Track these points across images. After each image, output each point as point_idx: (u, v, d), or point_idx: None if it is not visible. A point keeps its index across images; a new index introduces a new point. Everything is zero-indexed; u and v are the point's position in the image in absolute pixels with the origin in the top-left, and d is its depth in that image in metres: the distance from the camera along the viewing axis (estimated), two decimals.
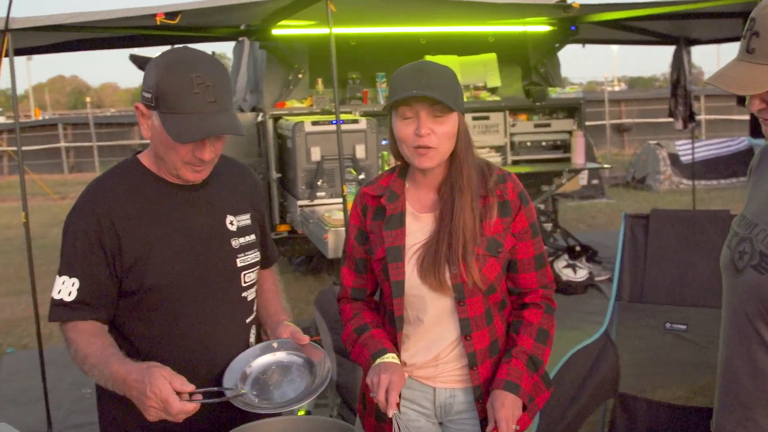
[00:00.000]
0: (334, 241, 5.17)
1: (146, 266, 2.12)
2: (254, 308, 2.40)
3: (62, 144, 24.37)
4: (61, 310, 2.10)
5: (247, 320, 2.35)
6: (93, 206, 2.11)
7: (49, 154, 24.43)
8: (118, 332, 2.17)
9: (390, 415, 2.10)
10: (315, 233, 5.67)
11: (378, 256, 2.32)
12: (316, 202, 6.23)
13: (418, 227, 2.30)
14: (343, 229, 5.08)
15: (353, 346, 2.37)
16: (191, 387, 1.91)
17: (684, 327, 3.54)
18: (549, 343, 2.37)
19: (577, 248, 8.24)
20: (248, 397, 2.11)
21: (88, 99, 29.84)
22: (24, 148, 23.46)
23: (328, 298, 3.73)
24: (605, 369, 3.53)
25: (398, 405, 2.20)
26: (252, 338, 2.38)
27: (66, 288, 2.09)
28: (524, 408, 2.24)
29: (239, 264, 2.28)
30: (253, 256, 2.33)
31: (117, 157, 23.05)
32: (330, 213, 5.72)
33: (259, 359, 2.25)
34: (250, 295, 2.35)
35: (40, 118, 33.28)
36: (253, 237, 2.34)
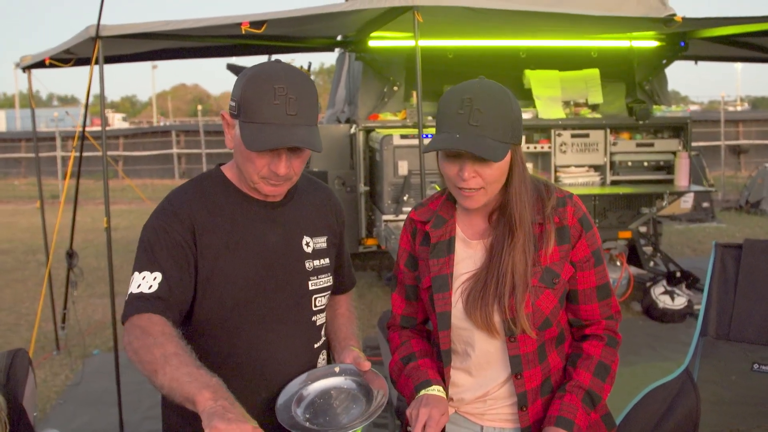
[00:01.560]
0: (395, 263, 5.06)
1: (215, 279, 2.08)
2: (322, 333, 2.33)
3: (174, 150, 25.12)
4: (139, 302, 1.98)
5: (315, 345, 2.28)
6: (174, 210, 2.10)
7: (161, 160, 25.22)
8: None
9: None
10: (395, 249, 5.55)
11: (425, 285, 2.20)
12: (401, 217, 6.12)
13: (467, 255, 2.15)
14: None
15: (399, 377, 2.27)
16: None
17: None
18: (610, 379, 2.17)
19: (678, 274, 7.85)
20: (297, 420, 2.06)
21: (199, 107, 30.68)
22: (137, 153, 24.25)
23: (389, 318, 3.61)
24: (683, 410, 3.27)
25: None
26: (321, 363, 2.32)
27: (146, 282, 2.01)
28: None
29: (311, 287, 2.23)
30: (326, 279, 2.28)
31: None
32: None
33: (318, 383, 2.20)
34: (319, 319, 2.29)
35: (161, 124, 34.56)
36: (327, 261, 2.29)
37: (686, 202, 8.46)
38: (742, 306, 3.37)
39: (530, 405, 2.13)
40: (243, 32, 4.82)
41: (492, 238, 2.11)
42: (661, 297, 7.32)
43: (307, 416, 2.10)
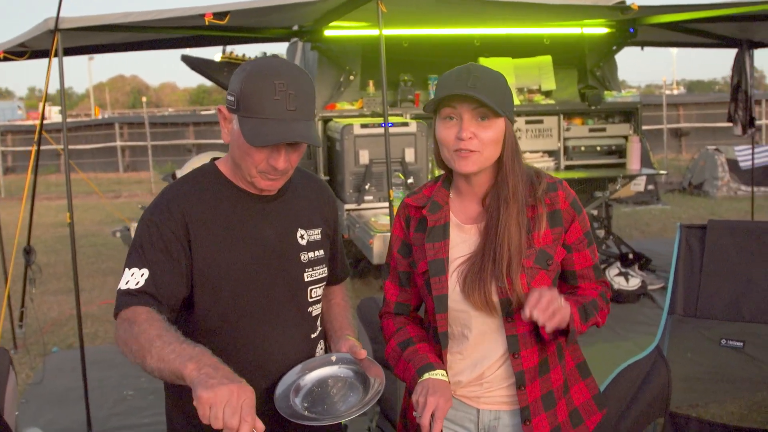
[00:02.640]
0: (379, 247, 5.10)
1: (211, 273, 2.10)
2: (318, 324, 2.36)
3: (118, 143, 24.72)
4: (126, 298, 2.01)
5: (312, 335, 2.31)
6: (169, 205, 2.11)
7: (105, 153, 24.81)
8: None
9: None
10: (361, 238, 5.60)
11: (420, 269, 2.24)
12: (363, 206, 6.16)
13: (462, 239, 2.20)
14: (389, 234, 5.00)
15: (397, 362, 2.29)
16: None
17: (741, 344, 3.39)
18: (602, 315, 2.22)
19: (630, 256, 8.03)
20: (295, 409, 2.10)
21: (144, 99, 30.26)
22: (80, 146, 23.76)
23: (369, 306, 3.65)
24: (656, 386, 3.39)
25: None
26: (318, 353, 2.35)
27: (134, 278, 2.03)
28: (566, 333, 2.11)
29: (306, 279, 2.26)
30: (321, 271, 2.31)
31: (170, 156, 23.37)
32: (377, 218, 5.66)
33: (315, 372, 2.23)
34: (315, 310, 2.32)
35: (100, 117, 33.89)
36: (321, 252, 2.32)
37: (638, 185, 8.63)
38: (708, 284, 3.49)
39: (528, 384, 2.17)
40: (207, 23, 4.79)
41: (486, 221, 2.16)
42: (616, 278, 7.48)
43: (306, 405, 2.13)
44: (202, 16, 4.78)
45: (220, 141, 18.71)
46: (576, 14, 6.67)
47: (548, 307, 1.96)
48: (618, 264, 7.80)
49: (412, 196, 2.33)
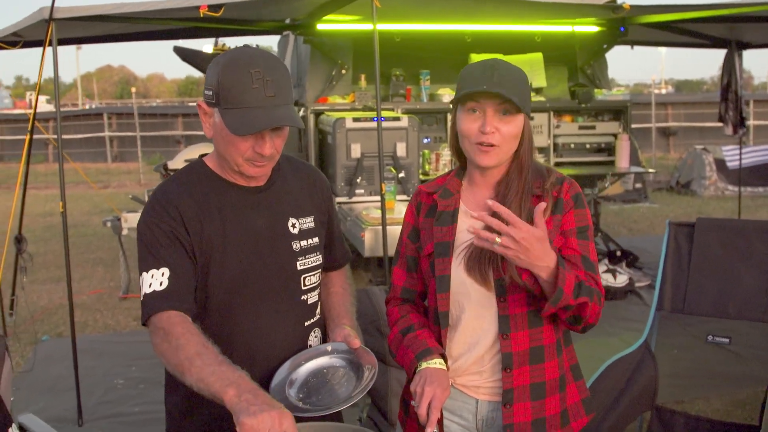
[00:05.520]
0: (370, 240, 5.13)
1: (206, 267, 2.14)
2: (316, 311, 2.39)
3: (106, 133, 24.60)
4: (154, 301, 2.05)
5: (306, 323, 2.34)
6: (164, 205, 2.14)
7: (93, 143, 24.69)
8: None
9: None
10: (352, 231, 5.63)
11: (426, 251, 2.29)
12: (354, 199, 6.18)
13: (469, 226, 2.24)
14: (380, 227, 5.03)
15: (398, 348, 2.32)
16: None
17: (727, 340, 3.44)
18: (594, 307, 2.10)
19: (618, 253, 8.10)
20: (290, 401, 2.12)
21: (133, 89, 30.19)
22: (68, 136, 23.65)
23: (361, 298, 3.67)
24: (643, 381, 3.44)
25: (440, 421, 2.14)
26: (313, 341, 2.38)
27: (156, 279, 2.07)
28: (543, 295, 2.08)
29: (299, 267, 2.29)
30: (315, 259, 2.34)
31: (159, 147, 23.26)
32: (368, 211, 5.68)
33: (310, 363, 2.26)
34: (311, 298, 2.35)
35: (87, 107, 33.70)
36: (316, 240, 2.35)
37: (627, 183, 8.69)
38: (696, 281, 3.54)
39: (515, 368, 2.18)
40: (202, 15, 4.80)
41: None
42: (604, 275, 7.53)
43: (301, 396, 2.16)
44: (197, 7, 4.79)
45: None
46: (568, 13, 6.72)
47: (522, 232, 1.92)
48: (606, 261, 7.87)
49: (427, 183, 2.41)
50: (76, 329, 5.12)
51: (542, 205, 1.99)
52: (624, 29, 7.63)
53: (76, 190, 16.60)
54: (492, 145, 2.14)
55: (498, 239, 1.92)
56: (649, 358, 3.50)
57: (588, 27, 7.69)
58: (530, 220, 2.12)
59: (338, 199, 6.21)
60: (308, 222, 2.34)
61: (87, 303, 7.84)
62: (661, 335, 3.58)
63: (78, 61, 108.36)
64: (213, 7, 4.80)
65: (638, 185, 14.08)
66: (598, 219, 8.81)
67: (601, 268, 7.71)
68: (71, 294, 5.14)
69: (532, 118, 2.24)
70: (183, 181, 2.22)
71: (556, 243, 2.18)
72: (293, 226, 2.29)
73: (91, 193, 15.14)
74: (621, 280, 7.56)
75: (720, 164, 14.92)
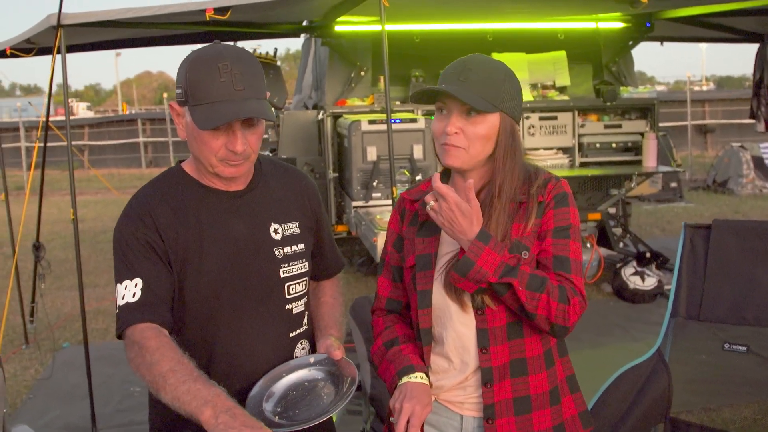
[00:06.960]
0: (383, 245, 5.03)
1: (183, 274, 2.07)
2: (303, 321, 2.30)
3: (140, 139, 24.88)
4: (128, 314, 2.00)
5: (292, 334, 2.25)
6: (139, 213, 2.08)
7: (127, 149, 24.96)
8: None
9: None
10: (366, 235, 5.54)
11: (408, 263, 2.19)
12: (371, 203, 6.08)
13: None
14: None
15: (381, 362, 2.23)
16: None
17: (744, 348, 3.27)
18: (544, 300, 1.96)
19: (647, 255, 7.89)
20: (265, 416, 2.05)
21: (165, 95, 30.42)
22: (103, 142, 23.97)
23: (363, 306, 3.59)
24: (656, 391, 3.28)
25: None
26: (300, 353, 2.29)
27: (129, 291, 2.02)
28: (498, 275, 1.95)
29: (282, 275, 2.20)
30: (300, 266, 2.24)
31: None
32: (382, 215, 5.59)
33: (291, 375, 2.19)
34: (296, 307, 2.26)
35: (127, 113, 34.14)
36: (301, 246, 2.25)
37: (655, 183, 8.49)
38: (712, 286, 3.39)
39: (496, 383, 2.08)
40: (207, 19, 4.75)
41: None
42: (632, 278, 7.36)
43: (278, 410, 2.08)
44: (203, 11, 4.73)
45: None
46: (586, 7, 6.56)
47: (449, 203, 1.96)
48: (634, 263, 7.67)
49: (410, 189, 2.30)
50: (96, 336, 5.10)
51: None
52: (650, 25, 7.45)
53: (107, 195, 16.74)
54: (456, 147, 2.04)
55: (432, 202, 1.98)
56: (663, 368, 3.35)
57: (612, 23, 7.53)
58: (510, 226, 2.05)
59: (354, 203, 6.12)
60: (292, 227, 2.24)
61: (110, 310, 7.82)
62: (675, 343, 3.42)
63: (117, 68, 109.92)
64: (219, 10, 4.74)
65: (673, 184, 13.81)
66: (626, 220, 8.61)
67: (629, 270, 7.53)
68: (83, 302, 5.13)
69: (517, 116, 2.10)
70: (158, 188, 2.15)
71: (534, 249, 2.07)
72: (275, 231, 2.20)
73: (119, 198, 15.22)
74: (649, 282, 7.38)
75: (758, 162, 14.61)
